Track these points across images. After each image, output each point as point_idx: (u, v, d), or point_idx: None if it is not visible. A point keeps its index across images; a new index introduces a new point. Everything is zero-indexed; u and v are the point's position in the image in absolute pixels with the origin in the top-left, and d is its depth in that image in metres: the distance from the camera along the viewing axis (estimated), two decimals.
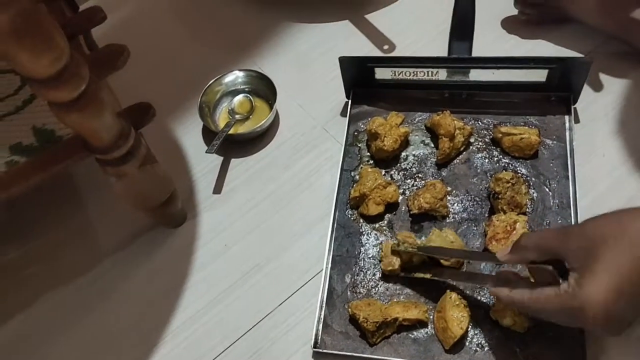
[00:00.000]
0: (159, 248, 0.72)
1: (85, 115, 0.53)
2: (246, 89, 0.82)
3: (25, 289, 0.71)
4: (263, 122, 0.76)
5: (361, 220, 0.68)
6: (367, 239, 0.67)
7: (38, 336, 0.68)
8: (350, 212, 0.69)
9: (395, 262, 0.62)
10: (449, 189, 0.69)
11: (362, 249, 0.66)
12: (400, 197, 0.69)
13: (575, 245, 0.48)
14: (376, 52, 0.84)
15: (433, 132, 0.73)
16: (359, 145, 0.74)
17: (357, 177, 0.70)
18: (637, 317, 0.47)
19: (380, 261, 0.64)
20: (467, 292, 0.62)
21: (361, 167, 0.71)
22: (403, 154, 0.73)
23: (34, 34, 0.45)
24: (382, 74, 0.75)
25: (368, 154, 0.73)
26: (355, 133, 0.75)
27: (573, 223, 0.64)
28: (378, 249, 0.66)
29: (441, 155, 0.70)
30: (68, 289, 0.70)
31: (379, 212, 0.67)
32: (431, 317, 0.61)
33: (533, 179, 0.68)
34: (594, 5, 0.74)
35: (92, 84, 0.52)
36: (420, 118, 0.75)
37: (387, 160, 0.72)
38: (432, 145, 0.73)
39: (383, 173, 0.71)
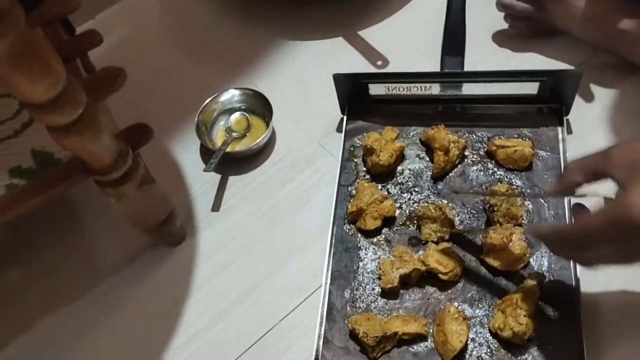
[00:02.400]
0: (159, 267, 0.72)
1: (83, 138, 0.53)
2: (242, 107, 0.83)
3: (26, 310, 0.71)
4: (260, 139, 0.77)
5: (359, 235, 0.69)
6: (366, 254, 0.67)
7: (39, 357, 0.68)
8: (348, 226, 0.70)
9: (395, 279, 0.63)
10: (445, 202, 0.69)
11: (361, 264, 0.67)
12: (397, 211, 0.69)
13: (619, 159, 0.47)
14: (370, 68, 0.85)
15: (428, 146, 0.74)
16: (355, 160, 0.75)
17: (354, 191, 0.71)
18: None
19: (379, 278, 0.64)
20: (466, 305, 0.62)
21: (357, 182, 0.72)
22: (399, 168, 0.73)
23: (31, 60, 0.45)
24: (376, 89, 0.76)
25: (364, 168, 0.74)
26: (351, 148, 0.76)
27: None
28: (376, 264, 0.66)
29: (436, 169, 0.71)
30: (69, 309, 0.70)
31: (377, 226, 0.68)
32: (431, 330, 0.61)
33: (528, 190, 0.69)
34: (583, 17, 0.75)
35: (90, 107, 0.52)
36: (415, 132, 0.76)
37: (383, 174, 0.73)
38: (428, 159, 0.73)
39: (380, 187, 0.71)
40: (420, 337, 0.61)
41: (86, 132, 0.53)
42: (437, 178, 0.72)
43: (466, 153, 0.73)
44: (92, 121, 0.53)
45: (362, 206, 0.68)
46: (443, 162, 0.70)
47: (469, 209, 0.69)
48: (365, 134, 0.75)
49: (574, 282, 0.61)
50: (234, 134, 0.80)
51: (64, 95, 0.49)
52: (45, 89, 0.47)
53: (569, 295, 0.61)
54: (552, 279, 0.62)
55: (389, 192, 0.72)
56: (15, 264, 0.75)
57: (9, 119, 0.66)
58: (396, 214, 0.69)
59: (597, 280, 0.62)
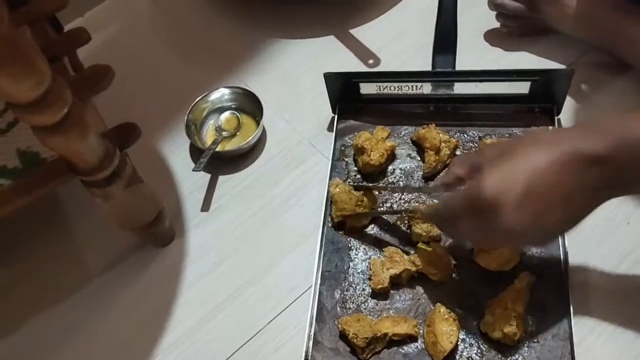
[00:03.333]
0: (147, 267, 0.72)
1: (69, 138, 0.53)
2: (233, 106, 0.82)
3: (13, 311, 0.70)
4: (250, 138, 0.77)
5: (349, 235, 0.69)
6: (356, 254, 0.67)
7: (27, 359, 0.67)
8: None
9: (385, 280, 0.62)
10: (435, 201, 0.69)
11: (351, 264, 0.66)
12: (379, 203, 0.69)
13: (488, 152, 0.52)
14: (361, 67, 0.85)
15: (419, 146, 0.73)
16: (346, 159, 0.74)
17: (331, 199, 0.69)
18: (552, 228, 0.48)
19: (369, 278, 0.64)
20: (457, 305, 0.62)
21: (332, 189, 0.69)
22: (390, 167, 0.73)
23: (15, 60, 0.44)
24: (367, 88, 0.75)
25: (355, 168, 0.73)
26: (342, 148, 0.75)
27: None
28: (367, 264, 0.66)
29: (427, 169, 0.70)
30: (56, 310, 0.70)
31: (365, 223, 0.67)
32: (421, 331, 0.61)
33: None
34: (574, 16, 0.75)
35: (76, 106, 0.52)
36: (406, 132, 0.75)
37: (374, 174, 0.72)
38: (419, 159, 0.73)
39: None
40: (410, 338, 0.60)
41: (72, 132, 0.53)
42: (428, 178, 0.71)
43: (457, 153, 0.72)
44: (78, 121, 0.53)
45: (346, 214, 0.67)
46: (434, 162, 0.70)
47: None
48: (356, 133, 0.74)
49: (564, 283, 0.61)
50: (224, 133, 0.80)
51: (49, 95, 0.48)
52: (29, 89, 0.46)
53: (560, 296, 0.60)
54: (542, 279, 0.62)
55: (380, 192, 0.71)
56: (1, 265, 0.74)
57: None
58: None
59: (588, 281, 0.62)
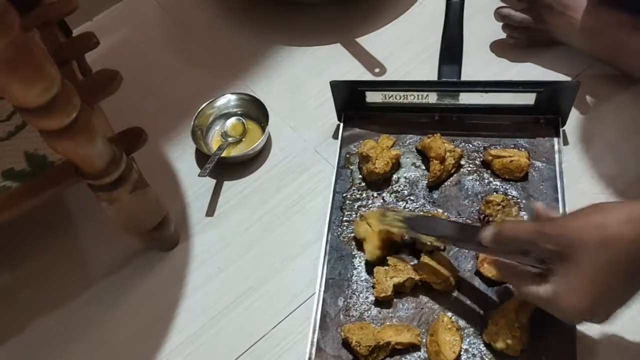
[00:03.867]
0: (152, 271, 0.72)
1: (76, 143, 0.53)
2: (239, 112, 0.83)
3: (17, 313, 0.70)
4: (255, 144, 0.77)
5: (353, 243, 0.69)
6: (360, 262, 0.67)
7: None
8: (343, 234, 0.69)
9: (389, 288, 0.62)
10: (440, 211, 0.69)
11: (355, 272, 0.67)
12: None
13: (552, 246, 0.50)
14: (367, 75, 0.85)
15: (424, 155, 0.73)
16: (351, 167, 0.75)
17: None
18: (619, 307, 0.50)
19: (373, 287, 0.64)
20: (460, 315, 0.62)
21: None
22: (394, 176, 0.73)
23: (25, 65, 0.45)
24: (373, 97, 0.76)
25: (360, 176, 0.74)
26: (347, 155, 0.76)
27: None
28: (370, 272, 0.66)
29: (432, 178, 0.71)
30: (60, 313, 0.70)
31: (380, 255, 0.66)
32: (424, 340, 0.61)
33: (523, 201, 0.68)
34: (581, 29, 0.75)
35: (84, 111, 0.52)
36: (411, 140, 0.75)
37: (378, 182, 0.72)
38: (424, 168, 0.73)
39: (375, 195, 0.71)
40: (413, 347, 0.60)
41: (80, 136, 0.53)
42: (432, 187, 0.72)
43: (462, 162, 0.73)
44: (86, 125, 0.53)
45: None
46: (439, 171, 0.70)
47: (464, 219, 0.68)
48: (361, 141, 0.75)
49: None
50: (230, 139, 0.80)
51: (57, 100, 0.48)
52: (38, 93, 0.47)
53: None
54: None
55: (384, 200, 0.71)
56: (7, 267, 0.74)
57: (3, 121, 0.66)
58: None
59: None
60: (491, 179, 0.71)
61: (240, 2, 0.98)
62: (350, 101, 0.76)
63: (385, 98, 0.75)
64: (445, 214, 0.69)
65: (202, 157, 0.80)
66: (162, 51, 0.95)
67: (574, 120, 0.74)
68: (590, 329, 0.60)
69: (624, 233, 0.47)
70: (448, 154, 0.71)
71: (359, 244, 0.68)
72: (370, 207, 0.71)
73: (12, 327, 0.69)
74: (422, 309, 0.63)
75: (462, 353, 0.59)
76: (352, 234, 0.69)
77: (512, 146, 0.73)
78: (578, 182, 0.70)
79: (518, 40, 0.83)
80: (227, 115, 0.83)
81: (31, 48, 0.45)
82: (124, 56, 0.93)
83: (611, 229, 0.48)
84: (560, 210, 0.67)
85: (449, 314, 0.62)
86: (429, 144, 0.71)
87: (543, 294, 0.51)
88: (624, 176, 0.70)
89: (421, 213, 0.63)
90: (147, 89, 0.88)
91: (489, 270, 0.63)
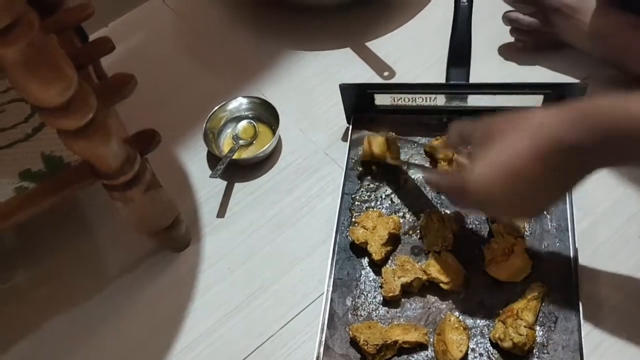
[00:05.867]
0: (163, 271, 0.73)
1: (92, 143, 0.54)
2: (250, 115, 0.84)
3: (32, 313, 0.72)
4: (266, 147, 0.78)
5: (351, 251, 0.69)
6: (368, 262, 0.68)
7: (44, 359, 0.69)
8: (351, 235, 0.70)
9: (396, 288, 0.63)
10: (447, 212, 0.69)
11: (363, 272, 0.67)
12: (401, 220, 0.70)
13: (480, 131, 0.53)
14: (377, 78, 0.86)
15: (432, 156, 0.74)
16: (360, 169, 0.75)
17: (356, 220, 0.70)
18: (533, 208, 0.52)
19: (380, 286, 0.65)
20: (467, 315, 0.62)
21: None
22: (403, 177, 0.74)
23: (44, 65, 0.46)
24: (382, 99, 0.76)
25: (368, 177, 0.74)
26: (356, 157, 0.76)
27: (571, 246, 0.64)
28: (378, 272, 0.66)
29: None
30: (74, 312, 0.71)
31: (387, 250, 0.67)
32: (431, 339, 0.61)
33: None
34: (588, 31, 0.76)
35: (100, 112, 0.54)
36: (420, 142, 0.76)
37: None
38: (432, 169, 0.74)
39: (383, 196, 0.72)
40: (420, 346, 0.61)
41: (96, 136, 0.54)
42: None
43: None
44: (102, 126, 0.55)
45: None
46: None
47: (471, 220, 0.69)
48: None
49: (575, 294, 0.61)
50: (241, 142, 0.81)
51: (75, 100, 0.50)
52: (56, 94, 0.48)
53: (571, 307, 0.61)
54: (553, 290, 0.62)
55: (392, 202, 0.72)
56: (22, 267, 0.76)
57: (21, 122, 0.68)
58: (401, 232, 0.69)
59: (599, 293, 0.63)
60: None
61: (252, 8, 0.99)
62: (359, 104, 0.77)
63: (394, 100, 0.76)
64: (453, 214, 0.69)
65: (213, 159, 0.81)
66: (176, 56, 0.97)
67: None
68: (596, 328, 0.60)
69: (546, 122, 0.48)
70: (455, 155, 0.71)
71: (359, 249, 0.68)
72: (379, 208, 0.71)
73: (27, 326, 0.71)
74: (429, 308, 0.64)
75: (469, 352, 0.60)
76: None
77: None
78: (586, 183, 0.70)
79: (526, 44, 0.83)
80: (239, 118, 0.84)
81: (50, 49, 0.47)
82: (138, 61, 0.95)
83: (535, 119, 0.49)
84: (568, 211, 0.67)
85: (456, 313, 0.62)
86: (437, 146, 0.72)
87: (456, 177, 0.53)
88: (631, 177, 0.70)
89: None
90: (161, 92, 0.90)
91: (495, 271, 0.63)
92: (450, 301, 0.63)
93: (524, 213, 0.53)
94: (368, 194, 0.73)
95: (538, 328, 0.60)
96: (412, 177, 0.74)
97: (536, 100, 0.72)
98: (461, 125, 0.58)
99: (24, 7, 0.43)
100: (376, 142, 0.73)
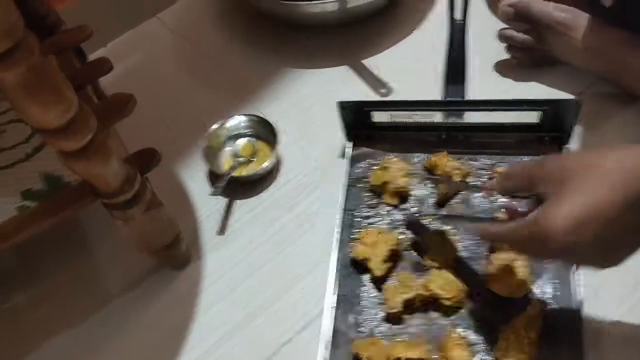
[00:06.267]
0: (164, 290, 0.73)
1: (92, 163, 0.55)
2: (249, 133, 0.84)
3: (32, 332, 0.71)
4: (265, 164, 0.78)
5: (352, 267, 0.69)
6: (370, 278, 0.68)
7: None
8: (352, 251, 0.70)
9: (398, 304, 0.63)
10: (448, 228, 0.70)
11: (364, 289, 0.67)
12: (401, 237, 0.70)
13: (551, 170, 0.49)
14: (374, 96, 0.87)
15: (431, 173, 0.74)
16: (359, 185, 0.76)
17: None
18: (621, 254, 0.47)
19: (383, 303, 0.65)
20: (470, 331, 0.62)
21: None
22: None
23: (44, 88, 0.47)
24: (380, 117, 0.77)
25: (368, 194, 0.75)
26: (355, 174, 0.77)
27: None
28: (380, 289, 0.66)
29: (440, 195, 0.72)
30: (74, 331, 0.71)
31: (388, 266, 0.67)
32: (434, 356, 0.61)
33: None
34: (582, 48, 0.77)
35: (100, 132, 0.54)
36: (418, 159, 0.77)
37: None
38: (431, 186, 0.74)
39: (384, 213, 0.72)
40: None
41: (96, 157, 0.55)
42: (440, 204, 0.72)
43: (469, 180, 0.74)
44: (101, 146, 0.55)
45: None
46: (446, 189, 0.71)
47: (472, 236, 0.69)
48: (369, 160, 0.76)
49: (577, 309, 0.61)
50: (241, 159, 0.82)
51: (75, 122, 0.50)
52: (56, 116, 0.48)
53: (573, 323, 0.61)
54: (555, 306, 0.62)
55: (392, 218, 0.72)
56: (22, 286, 0.76)
57: (22, 142, 0.68)
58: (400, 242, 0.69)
59: (601, 307, 0.63)
60: (498, 197, 0.72)
61: (250, 27, 1.00)
62: (357, 121, 0.78)
63: (392, 118, 0.77)
64: (453, 230, 0.69)
65: (213, 177, 0.82)
66: (174, 75, 0.97)
67: (577, 138, 0.75)
68: (599, 343, 0.60)
69: (624, 164, 0.45)
70: (455, 171, 0.72)
71: (360, 266, 0.68)
72: (379, 224, 0.72)
73: (27, 346, 0.70)
74: (432, 324, 0.64)
75: None
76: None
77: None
78: None
79: (521, 61, 0.84)
80: (238, 136, 0.84)
81: (50, 72, 0.47)
82: (137, 80, 0.96)
83: (620, 162, 0.45)
84: None
85: (459, 329, 0.62)
86: (436, 162, 0.73)
87: (528, 221, 0.48)
88: None
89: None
90: (160, 111, 0.90)
91: (497, 287, 0.63)
92: (453, 317, 0.63)
93: (607, 261, 0.49)
94: (368, 210, 0.73)
95: (540, 344, 0.60)
96: (412, 193, 0.74)
97: (533, 116, 0.73)
98: (519, 165, 0.54)
99: (24, 31, 0.43)
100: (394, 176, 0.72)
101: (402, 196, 0.73)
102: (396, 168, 0.73)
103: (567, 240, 0.45)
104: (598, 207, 0.45)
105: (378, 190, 0.74)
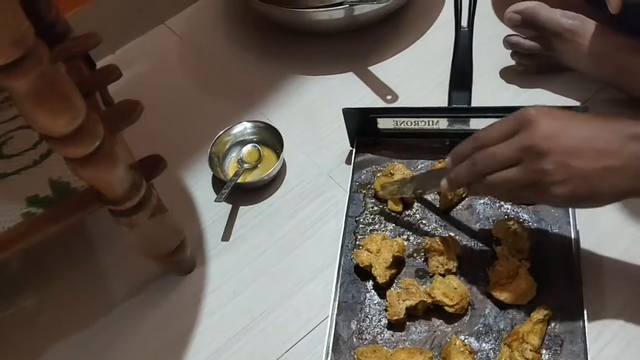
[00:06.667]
0: (169, 295, 0.73)
1: (99, 170, 0.55)
2: (254, 139, 0.85)
3: (37, 337, 0.72)
4: (270, 170, 0.79)
5: (357, 275, 0.69)
6: (373, 285, 0.68)
7: None
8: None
9: (401, 311, 0.63)
10: (452, 234, 0.70)
11: (368, 295, 0.67)
12: (405, 243, 0.70)
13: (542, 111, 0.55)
14: (380, 102, 0.87)
15: None
16: (363, 192, 0.76)
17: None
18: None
19: (385, 310, 0.65)
20: (473, 338, 0.62)
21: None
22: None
23: (53, 96, 0.47)
24: (385, 123, 0.77)
25: (372, 200, 0.75)
26: (360, 180, 0.77)
27: (576, 269, 0.64)
28: (383, 295, 0.66)
29: (444, 202, 0.72)
30: (79, 337, 0.71)
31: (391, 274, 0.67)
32: None
33: (535, 224, 0.69)
34: (589, 55, 0.77)
35: (107, 139, 0.55)
36: (423, 165, 0.77)
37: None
38: (436, 192, 0.74)
39: (387, 219, 0.72)
40: None
41: (102, 163, 0.55)
42: (444, 211, 0.72)
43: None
44: (108, 154, 0.55)
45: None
46: (450, 195, 0.71)
47: (475, 242, 0.69)
48: (374, 167, 0.76)
49: (581, 316, 0.61)
50: (246, 165, 0.82)
51: (83, 129, 0.51)
52: (65, 123, 0.49)
53: (576, 330, 0.60)
54: (559, 313, 0.62)
55: (396, 224, 0.72)
56: (28, 292, 0.77)
57: (29, 149, 0.69)
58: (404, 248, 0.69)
59: (604, 313, 0.62)
60: (502, 203, 0.72)
61: (256, 34, 1.01)
62: (362, 128, 0.78)
63: (397, 124, 0.77)
64: (458, 237, 0.69)
65: (218, 183, 0.82)
66: (181, 82, 0.98)
67: None
68: (602, 351, 0.60)
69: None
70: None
71: (364, 272, 0.68)
72: (383, 231, 0.72)
73: (33, 351, 0.71)
74: (434, 332, 0.64)
75: None
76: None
77: None
78: None
79: (527, 67, 0.84)
80: (243, 143, 0.85)
81: (58, 80, 0.48)
82: (144, 87, 0.97)
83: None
84: (572, 234, 0.67)
85: (462, 336, 0.62)
86: (440, 168, 0.73)
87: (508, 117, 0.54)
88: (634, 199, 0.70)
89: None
90: (167, 117, 0.91)
91: (501, 294, 0.63)
92: (456, 324, 0.63)
93: (600, 192, 0.52)
94: (372, 216, 0.74)
95: (544, 351, 0.59)
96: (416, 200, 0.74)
97: None
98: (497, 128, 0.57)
99: (33, 40, 0.44)
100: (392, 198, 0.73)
101: (406, 203, 0.73)
102: (401, 175, 0.73)
103: (546, 141, 0.51)
104: (578, 128, 0.51)
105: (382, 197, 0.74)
